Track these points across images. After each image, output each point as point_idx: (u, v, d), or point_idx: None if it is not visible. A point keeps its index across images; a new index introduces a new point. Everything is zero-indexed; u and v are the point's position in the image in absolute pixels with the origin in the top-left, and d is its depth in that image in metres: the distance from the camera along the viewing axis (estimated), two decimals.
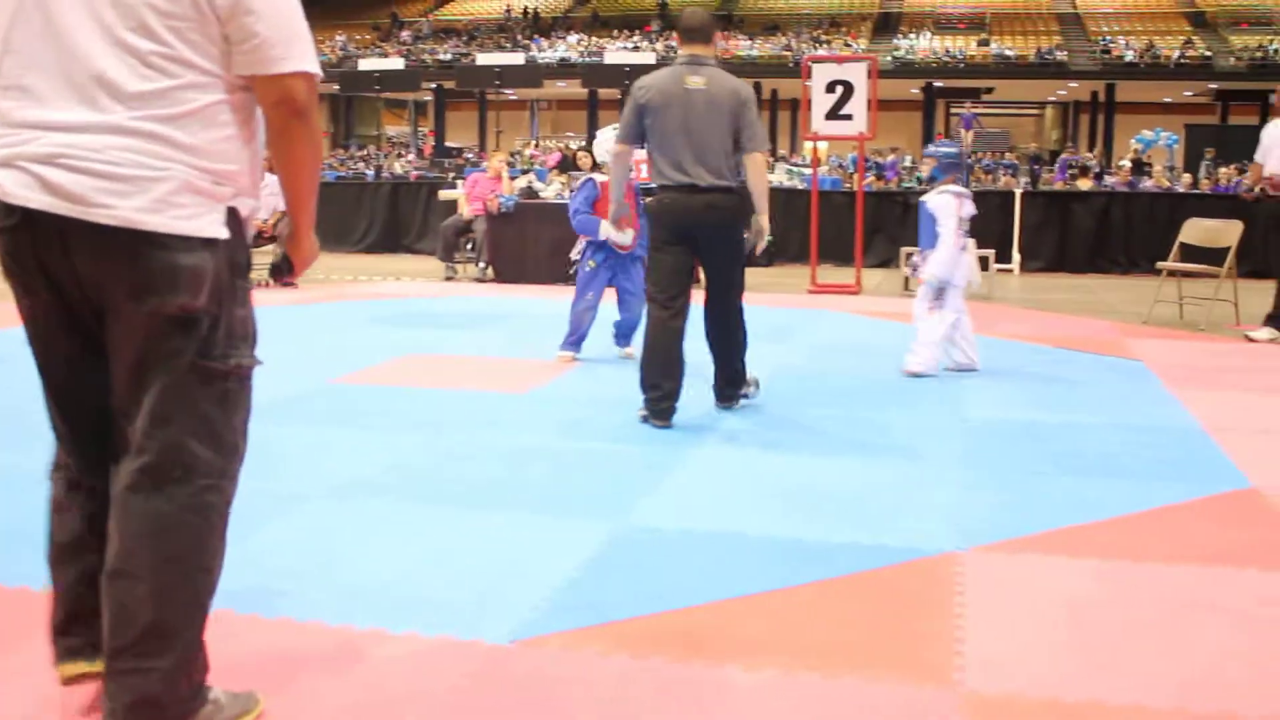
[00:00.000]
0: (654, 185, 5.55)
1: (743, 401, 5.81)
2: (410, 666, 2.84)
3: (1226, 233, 9.53)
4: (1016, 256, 13.78)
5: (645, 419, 5.46)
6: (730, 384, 5.76)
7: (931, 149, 7.25)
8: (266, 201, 11.37)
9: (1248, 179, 9.28)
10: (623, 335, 7.31)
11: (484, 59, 20.44)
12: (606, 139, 7.04)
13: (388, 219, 16.22)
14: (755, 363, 6.09)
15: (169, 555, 2.31)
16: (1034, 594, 3.37)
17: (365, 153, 31.44)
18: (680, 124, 5.36)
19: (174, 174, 2.23)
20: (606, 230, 6.68)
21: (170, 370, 2.29)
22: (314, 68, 2.33)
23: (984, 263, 11.43)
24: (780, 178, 18.12)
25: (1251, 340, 8.27)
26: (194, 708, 2.39)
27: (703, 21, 5.54)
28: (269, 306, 9.82)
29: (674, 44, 33.81)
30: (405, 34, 38.09)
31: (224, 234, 2.31)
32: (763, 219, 5.60)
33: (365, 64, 21.70)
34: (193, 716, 2.39)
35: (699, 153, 5.36)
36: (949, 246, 6.63)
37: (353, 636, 3.01)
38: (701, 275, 5.70)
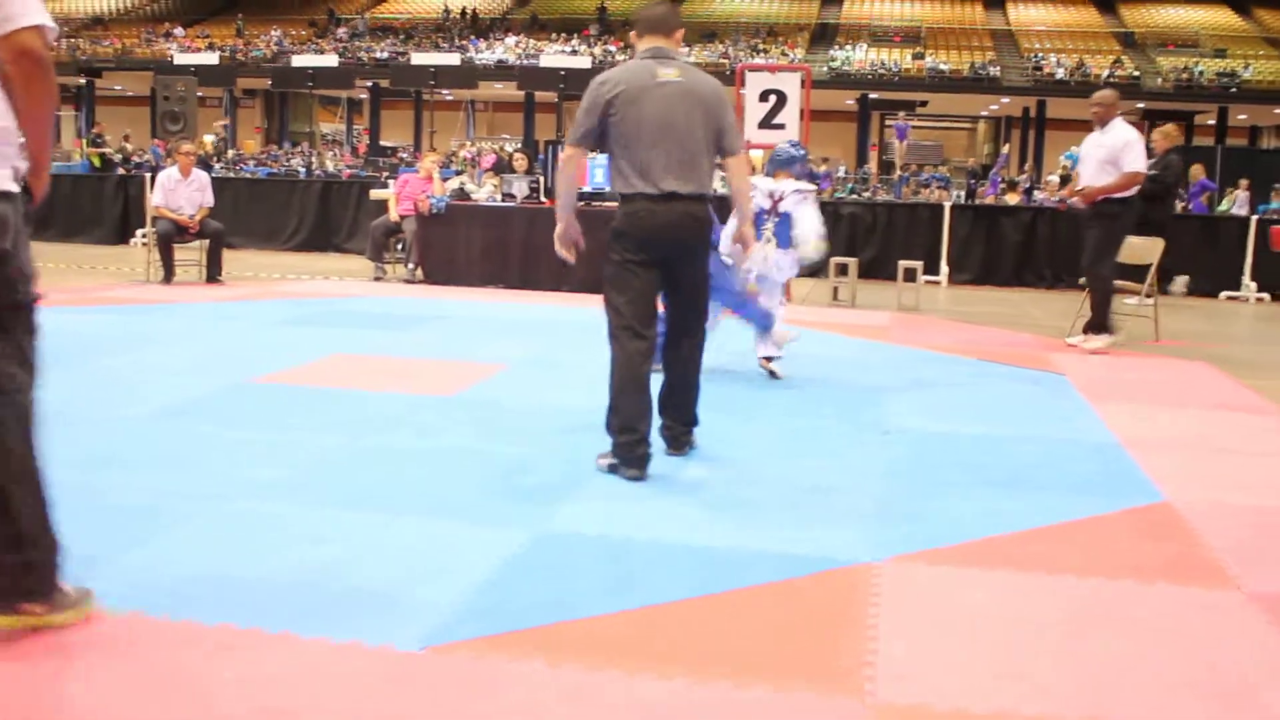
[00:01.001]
0: (618, 194, 4.79)
1: (692, 449, 5.05)
2: (318, 672, 2.80)
3: (1149, 250, 9.67)
4: (944, 269, 13.92)
5: (613, 468, 4.66)
6: (688, 430, 5.02)
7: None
8: (192, 198, 11.23)
9: (1066, 191, 9.45)
10: None
11: (419, 58, 20.30)
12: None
13: (318, 217, 16.06)
14: None
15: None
16: (947, 605, 3.39)
17: (300, 149, 31.17)
18: (656, 122, 4.61)
19: None
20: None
21: None
22: (45, 20, 2.67)
23: (912, 275, 11.54)
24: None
25: (1086, 351, 8.43)
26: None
27: (665, 13, 4.85)
28: (196, 304, 9.69)
29: (612, 48, 33.99)
30: (342, 31, 37.80)
31: (14, 188, 2.72)
32: (746, 227, 5.04)
33: (299, 60, 21.47)
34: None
35: (678, 155, 4.64)
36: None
37: (262, 640, 2.96)
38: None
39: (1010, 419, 6.01)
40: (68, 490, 4.16)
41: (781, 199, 6.85)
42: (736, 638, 3.09)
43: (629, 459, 4.63)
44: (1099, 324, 8.63)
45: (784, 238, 6.89)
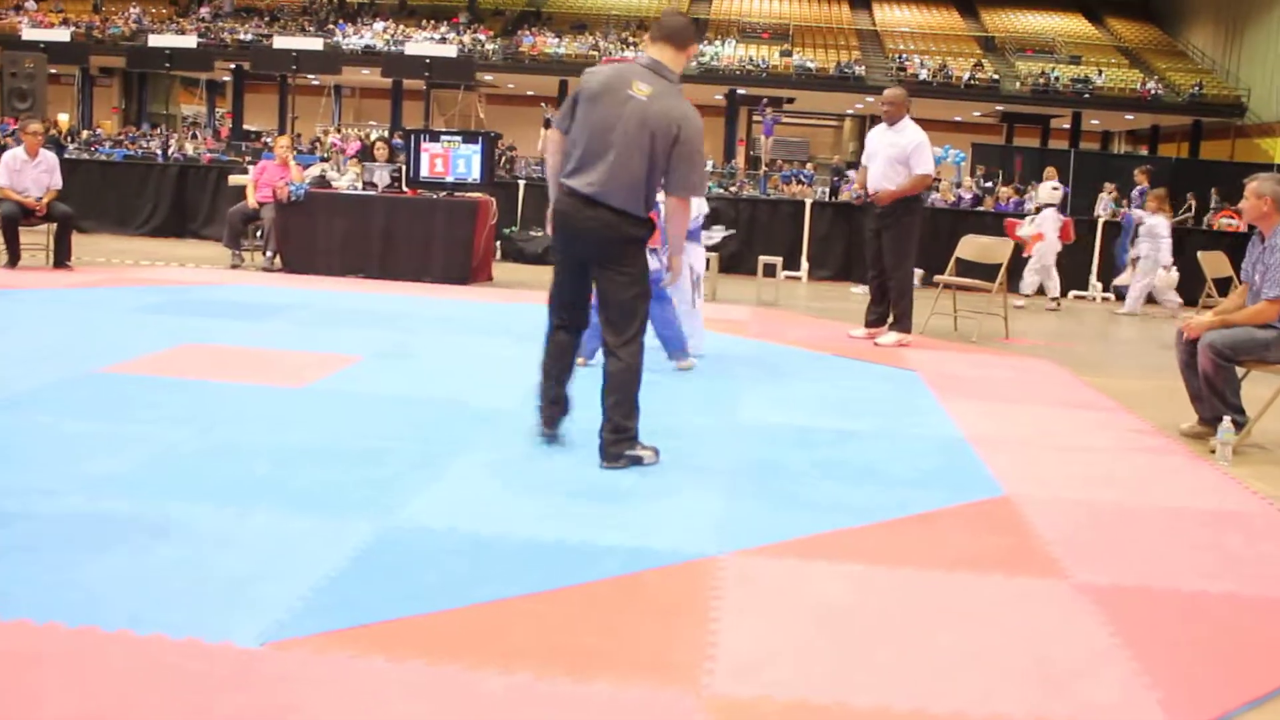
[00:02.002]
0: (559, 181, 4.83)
1: (630, 465, 4.81)
2: (154, 670, 2.74)
3: (999, 250, 9.96)
4: (804, 265, 14.13)
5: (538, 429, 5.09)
6: (615, 440, 4.82)
7: None
8: (39, 179, 10.87)
9: (856, 184, 9.61)
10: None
11: (281, 42, 19.93)
12: None
13: (174, 202, 15.64)
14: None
15: None
16: (790, 598, 3.45)
17: (158, 130, 30.34)
18: (601, 128, 4.64)
19: None
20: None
21: None
22: None
23: (772, 270, 11.69)
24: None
25: (878, 345, 8.70)
26: None
27: (681, 26, 4.83)
28: (41, 289, 9.39)
29: (481, 36, 33.75)
30: (204, 11, 36.88)
31: None
32: (675, 260, 4.95)
33: (156, 40, 20.91)
34: None
35: (607, 167, 4.63)
36: None
37: (96, 639, 2.89)
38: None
39: (861, 414, 6.14)
40: None
41: None
42: (579, 632, 3.11)
43: (540, 417, 5.08)
44: (901, 319, 8.85)
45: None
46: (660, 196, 4.86)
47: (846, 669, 2.97)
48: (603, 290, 4.85)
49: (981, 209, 17.58)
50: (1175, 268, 12.79)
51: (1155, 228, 12.78)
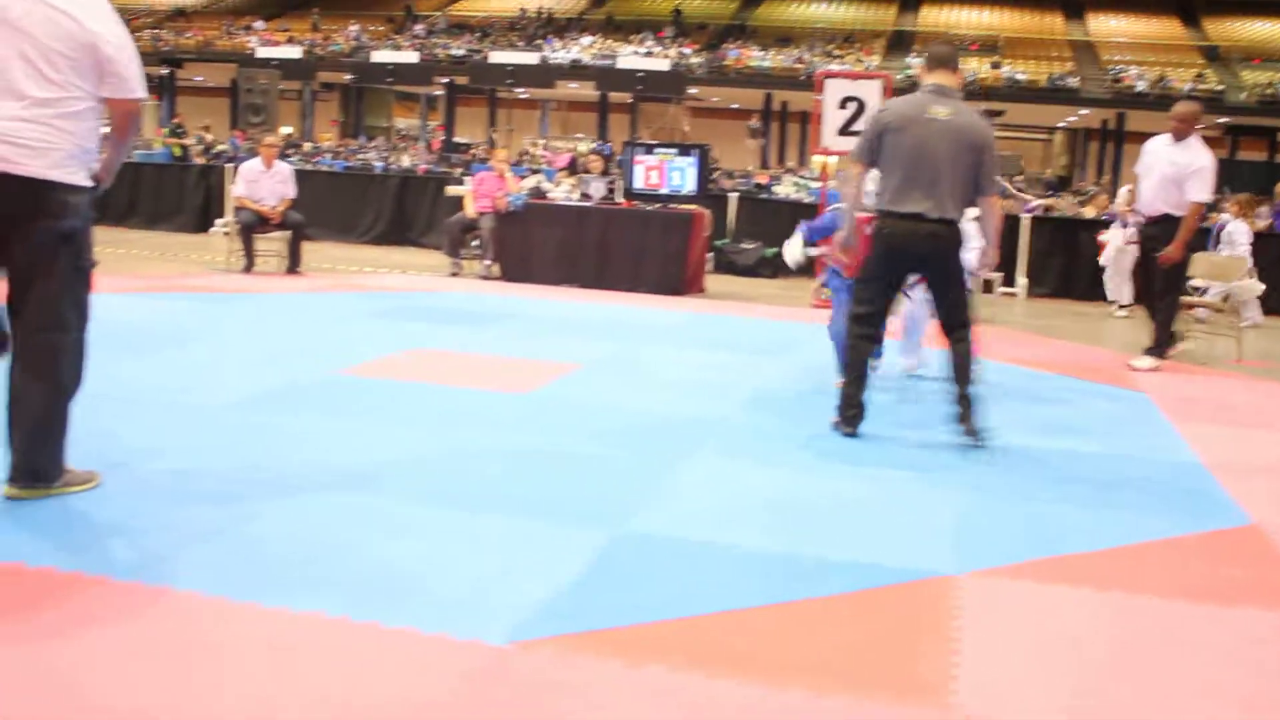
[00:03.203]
0: (877, 209, 5.51)
1: (983, 437, 5.44)
2: (406, 663, 2.84)
3: (1232, 268, 9.54)
4: (1022, 280, 13.78)
5: (836, 426, 5.56)
6: (967, 409, 5.49)
7: None
8: (275, 189, 11.38)
9: (1121, 202, 8.66)
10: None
11: (497, 57, 20.44)
12: None
13: (394, 212, 16.21)
14: (754, 374, 6.08)
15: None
16: (1029, 621, 3.37)
17: (375, 143, 31.46)
18: (914, 152, 5.30)
19: (62, 146, 3.73)
20: (793, 252, 6.83)
21: (57, 269, 3.78)
22: (144, 94, 3.94)
23: (988, 286, 11.44)
24: (788, 190, 18.15)
25: (1134, 369, 8.24)
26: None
27: (950, 52, 5.57)
28: (276, 294, 9.83)
29: (687, 50, 34.02)
30: (419, 28, 38.10)
31: (89, 184, 3.87)
32: (993, 251, 5.70)
33: (378, 56, 21.68)
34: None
35: (931, 183, 5.29)
36: None
37: (349, 629, 3.02)
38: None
39: (1091, 435, 5.95)
40: (152, 477, 4.27)
41: None
42: (815, 645, 3.10)
43: (846, 419, 5.54)
44: (1161, 345, 8.42)
45: None
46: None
47: (1087, 695, 2.88)
48: (942, 294, 5.57)
49: (1206, 225, 16.87)
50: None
51: (1234, 234, 12.16)
